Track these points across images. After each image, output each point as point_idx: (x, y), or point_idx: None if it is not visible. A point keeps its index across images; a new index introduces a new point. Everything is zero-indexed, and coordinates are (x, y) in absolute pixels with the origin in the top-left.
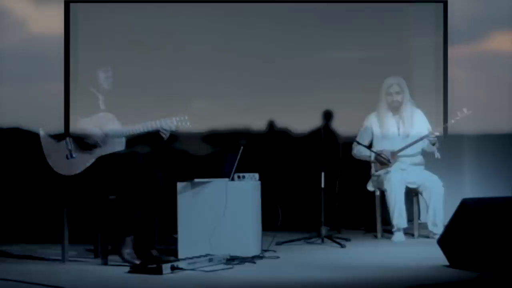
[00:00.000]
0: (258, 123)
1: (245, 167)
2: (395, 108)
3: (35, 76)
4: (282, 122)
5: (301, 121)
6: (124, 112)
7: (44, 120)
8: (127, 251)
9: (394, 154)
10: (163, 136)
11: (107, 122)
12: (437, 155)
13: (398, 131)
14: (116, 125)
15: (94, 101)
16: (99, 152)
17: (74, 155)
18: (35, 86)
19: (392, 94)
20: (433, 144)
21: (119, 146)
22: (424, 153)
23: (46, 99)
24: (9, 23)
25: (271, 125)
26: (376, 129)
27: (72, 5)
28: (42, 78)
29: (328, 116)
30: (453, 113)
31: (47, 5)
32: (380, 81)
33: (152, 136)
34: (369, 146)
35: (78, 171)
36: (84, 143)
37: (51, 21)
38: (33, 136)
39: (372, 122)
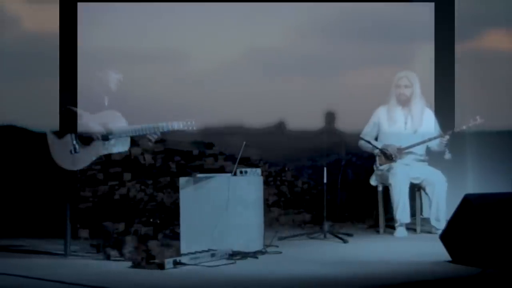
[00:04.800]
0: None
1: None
2: (403, 102)
3: (30, 74)
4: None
5: (304, 118)
6: (127, 113)
7: (38, 118)
8: (128, 250)
9: (400, 150)
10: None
11: (114, 119)
12: (448, 156)
13: (405, 126)
14: (123, 123)
15: (99, 100)
16: (102, 151)
17: (78, 151)
18: (29, 84)
19: (401, 87)
20: (445, 145)
21: (123, 146)
22: (429, 151)
23: (41, 96)
24: (3, 20)
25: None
26: (384, 122)
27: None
28: (37, 75)
29: (331, 117)
30: (464, 119)
31: (42, 2)
32: (381, 79)
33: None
34: (375, 140)
35: (81, 167)
36: (86, 138)
37: (46, 18)
38: (28, 134)
39: (380, 114)
